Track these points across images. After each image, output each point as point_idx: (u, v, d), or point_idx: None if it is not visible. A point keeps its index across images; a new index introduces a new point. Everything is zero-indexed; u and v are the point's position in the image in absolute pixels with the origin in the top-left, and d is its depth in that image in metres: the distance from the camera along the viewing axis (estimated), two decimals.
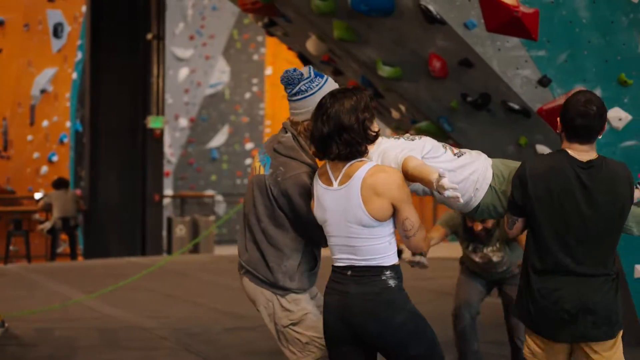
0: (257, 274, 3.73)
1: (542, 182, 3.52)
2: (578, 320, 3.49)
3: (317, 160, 3.62)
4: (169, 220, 16.79)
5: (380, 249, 3.32)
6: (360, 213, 3.27)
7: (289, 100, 3.69)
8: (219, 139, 25.70)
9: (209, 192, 23.77)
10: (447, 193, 3.09)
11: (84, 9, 18.25)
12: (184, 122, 24.69)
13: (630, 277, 6.46)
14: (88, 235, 16.28)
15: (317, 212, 3.42)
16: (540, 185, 3.51)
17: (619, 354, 3.61)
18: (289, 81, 3.66)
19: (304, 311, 3.67)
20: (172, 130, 24.17)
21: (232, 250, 18.59)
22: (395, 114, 7.89)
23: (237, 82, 26.26)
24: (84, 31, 18.11)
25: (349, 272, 3.34)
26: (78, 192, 17.07)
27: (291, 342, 3.68)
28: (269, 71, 26.76)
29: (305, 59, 8.64)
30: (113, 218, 15.95)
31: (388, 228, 3.33)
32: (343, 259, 3.36)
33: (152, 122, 16.08)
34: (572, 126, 3.52)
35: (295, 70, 3.68)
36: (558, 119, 3.62)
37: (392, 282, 3.31)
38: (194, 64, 24.76)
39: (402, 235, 3.36)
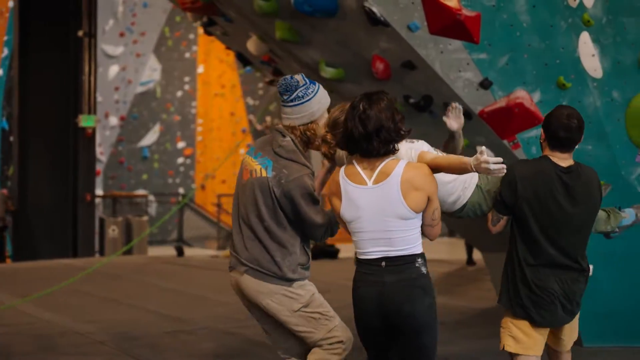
0: (261, 270, 3.98)
1: (530, 184, 4.00)
2: (563, 306, 4.03)
3: (324, 161, 4.09)
4: (102, 220, 16.50)
5: (413, 238, 3.60)
6: (400, 207, 3.54)
7: (285, 106, 3.97)
8: (150, 138, 25.41)
9: (141, 192, 23.46)
10: (492, 167, 3.48)
11: (11, 4, 17.77)
12: (114, 120, 24.32)
13: None
14: (17, 237, 15.88)
15: (348, 211, 3.64)
16: (529, 188, 3.99)
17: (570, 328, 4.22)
18: (287, 88, 3.94)
19: (310, 292, 4.03)
20: (102, 128, 23.75)
21: (164, 251, 18.41)
22: None
23: (168, 80, 25.99)
24: (11, 27, 17.63)
25: (383, 263, 3.58)
26: (4, 191, 16.62)
27: (305, 323, 4.01)
28: (200, 69, 26.56)
29: (244, 59, 8.58)
30: (43, 219, 15.63)
31: (419, 219, 3.63)
32: (376, 251, 3.60)
33: (84, 120, 15.78)
34: (556, 137, 4.02)
35: (292, 77, 3.96)
36: (542, 129, 4.10)
37: (423, 269, 3.61)
38: (124, 62, 24.39)
39: (428, 224, 3.67)
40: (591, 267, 4.27)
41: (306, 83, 4.00)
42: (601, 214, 4.40)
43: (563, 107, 4.21)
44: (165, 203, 23.45)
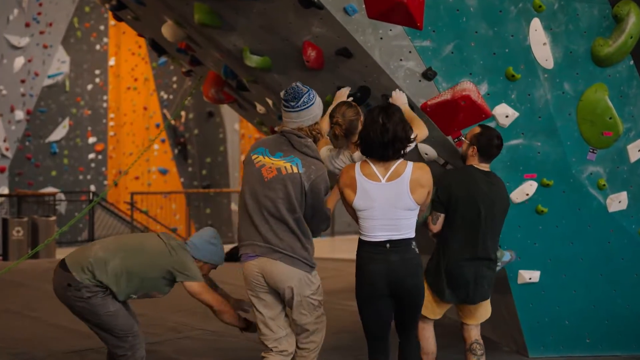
0: (295, 256, 4.60)
1: (463, 185, 5.10)
2: (475, 289, 5.12)
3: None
4: (5, 221, 15.35)
5: (412, 224, 4.53)
6: (408, 200, 4.45)
7: (292, 111, 4.61)
8: (59, 133, 24.48)
9: (49, 189, 22.41)
10: None
11: None
12: (20, 114, 23.16)
13: (514, 283, 6.11)
14: None
15: (362, 201, 4.50)
16: (462, 189, 5.07)
17: (483, 309, 5.26)
18: (296, 95, 4.59)
19: (318, 282, 4.73)
20: (7, 123, 22.63)
21: None
22: (260, 109, 7.21)
23: (78, 73, 25.05)
24: None
25: (388, 245, 4.46)
26: None
27: (306, 307, 4.67)
28: (112, 62, 25.72)
29: (157, 47, 7.82)
30: None
31: (418, 209, 4.55)
32: (383, 235, 4.48)
33: None
34: (488, 154, 5.18)
35: (297, 85, 4.60)
36: (473, 145, 5.15)
37: (416, 250, 4.53)
38: (30, 53, 23.23)
39: (421, 210, 4.69)
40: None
41: (308, 90, 4.62)
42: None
43: (489, 128, 5.25)
44: (75, 201, 22.43)
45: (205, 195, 24.66)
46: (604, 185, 5.99)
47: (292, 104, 4.56)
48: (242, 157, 26.79)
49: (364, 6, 5.18)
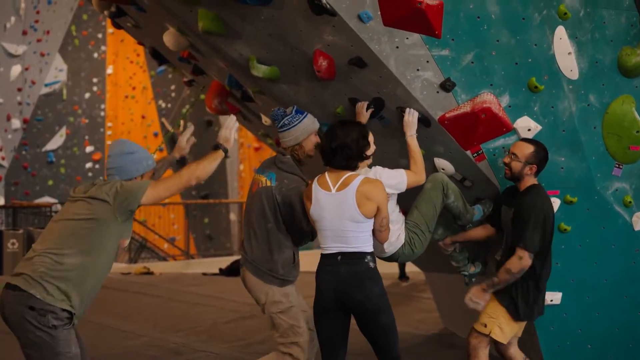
0: (261, 268, 4.99)
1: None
2: None
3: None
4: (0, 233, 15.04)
5: (363, 239, 4.58)
6: (354, 212, 4.53)
7: (278, 131, 5.18)
8: (56, 142, 24.28)
9: (46, 200, 22.15)
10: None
11: None
12: (17, 123, 22.98)
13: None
14: None
15: (314, 211, 4.64)
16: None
17: None
18: (274, 117, 5.16)
19: (290, 304, 4.97)
20: (4, 131, 22.42)
21: None
22: (266, 120, 6.89)
23: (75, 82, 24.88)
24: None
25: (339, 257, 4.56)
26: None
27: (276, 325, 4.96)
28: (110, 70, 25.56)
29: (159, 56, 7.51)
30: None
31: (370, 224, 4.60)
32: (334, 247, 4.59)
33: None
34: (542, 170, 5.24)
35: (279, 109, 5.16)
36: (532, 164, 5.12)
37: (371, 264, 4.57)
38: (27, 61, 23.05)
39: (377, 229, 4.65)
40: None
41: (292, 113, 5.12)
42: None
43: (538, 142, 5.19)
44: None
45: (203, 205, 24.37)
46: (630, 202, 5.68)
47: (276, 125, 5.12)
48: (241, 167, 26.52)
49: (379, 13, 4.89)
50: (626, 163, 5.61)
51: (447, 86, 5.13)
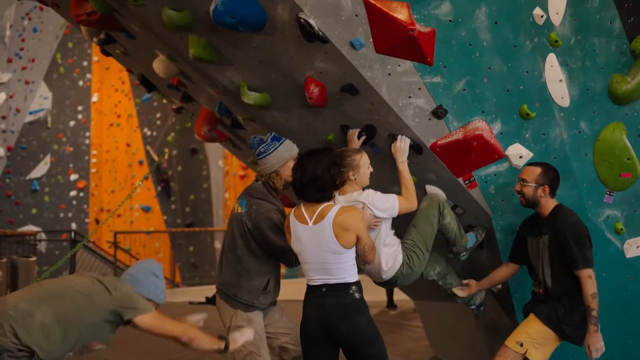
0: (227, 292, 5.07)
1: None
2: None
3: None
4: None
5: (347, 269, 4.52)
6: (332, 244, 4.46)
7: (256, 159, 5.16)
8: (40, 170, 24.14)
9: (30, 228, 21.96)
10: None
11: None
12: (0, 151, 22.81)
13: None
14: None
15: (295, 244, 4.62)
16: None
17: None
18: (250, 146, 5.16)
19: (251, 331, 4.85)
20: None
21: None
22: None
23: (60, 109, 24.79)
24: None
25: (324, 289, 4.51)
26: None
27: (236, 352, 4.87)
28: (94, 98, 25.48)
29: (147, 83, 7.47)
30: None
31: (352, 253, 4.54)
32: (318, 279, 4.54)
33: None
34: (556, 188, 5.23)
35: (256, 137, 5.14)
36: (544, 185, 5.14)
37: (357, 295, 4.51)
38: (12, 89, 22.93)
39: (361, 255, 4.62)
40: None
41: (267, 141, 5.09)
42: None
43: (544, 163, 5.22)
44: (56, 240, 21.98)
45: (188, 233, 24.24)
46: (622, 229, 5.67)
47: (254, 152, 5.15)
48: (227, 195, 26.43)
49: (371, 40, 4.89)
50: (617, 190, 5.61)
51: (439, 113, 5.12)
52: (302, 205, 4.62)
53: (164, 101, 25.98)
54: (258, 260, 5.01)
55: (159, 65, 6.23)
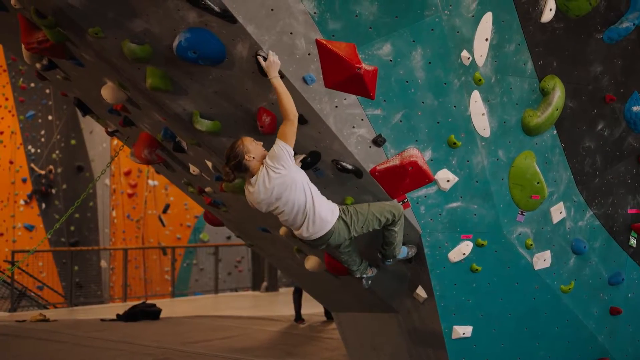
0: None
1: None
2: None
3: None
4: None
5: None
6: None
7: None
8: None
9: None
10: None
11: None
12: None
13: (449, 338, 6.41)
14: None
15: None
16: None
17: None
18: None
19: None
20: None
21: None
22: (194, 170, 7.29)
23: None
24: None
25: None
26: None
27: None
28: None
29: (82, 106, 7.78)
30: None
31: None
32: None
33: None
34: None
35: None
36: None
37: None
38: None
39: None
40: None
41: None
42: None
43: None
44: None
45: (73, 252, 23.96)
46: (531, 244, 6.44)
47: None
48: (114, 213, 26.22)
49: (321, 76, 5.46)
50: (528, 210, 6.38)
51: (378, 142, 5.74)
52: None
53: (49, 118, 25.59)
54: None
55: (108, 92, 6.57)
